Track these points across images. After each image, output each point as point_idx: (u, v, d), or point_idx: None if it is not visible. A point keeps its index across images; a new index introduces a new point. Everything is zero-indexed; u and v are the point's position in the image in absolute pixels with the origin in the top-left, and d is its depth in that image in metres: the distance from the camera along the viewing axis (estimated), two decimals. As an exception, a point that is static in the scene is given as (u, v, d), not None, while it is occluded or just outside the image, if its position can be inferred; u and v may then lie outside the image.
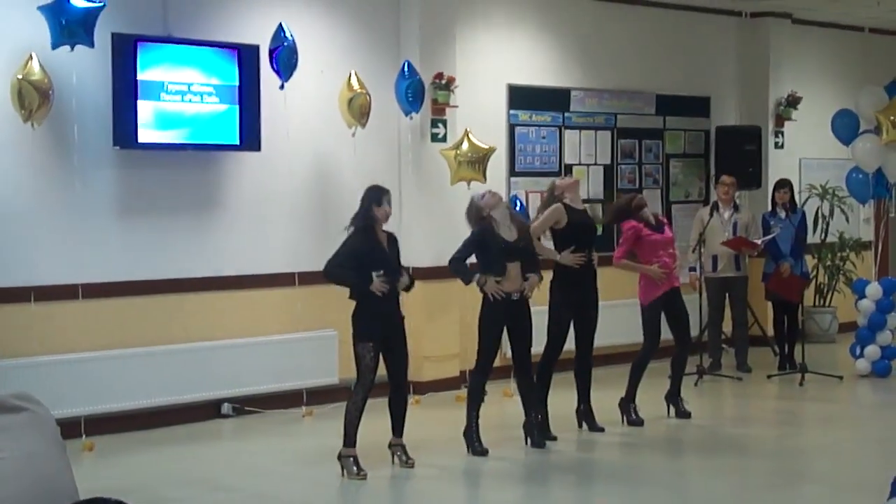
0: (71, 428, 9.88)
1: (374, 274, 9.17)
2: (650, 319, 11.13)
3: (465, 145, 12.52)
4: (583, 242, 10.45)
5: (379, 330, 9.26)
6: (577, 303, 10.49)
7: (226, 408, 11.46)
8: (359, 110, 11.93)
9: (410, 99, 12.29)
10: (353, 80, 11.94)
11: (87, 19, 9.99)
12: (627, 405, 11.12)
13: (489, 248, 9.83)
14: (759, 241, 13.78)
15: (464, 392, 10.56)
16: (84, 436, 10.20)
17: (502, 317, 9.90)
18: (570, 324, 10.52)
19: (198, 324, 11.35)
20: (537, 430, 10.26)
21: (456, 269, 9.99)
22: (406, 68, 12.29)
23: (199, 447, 10.52)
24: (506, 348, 10.63)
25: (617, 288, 12.74)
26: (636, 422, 11.07)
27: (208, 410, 11.37)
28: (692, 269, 13.85)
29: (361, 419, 9.22)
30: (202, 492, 9.10)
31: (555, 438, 10.38)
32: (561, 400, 10.81)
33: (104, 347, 10.67)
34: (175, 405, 11.08)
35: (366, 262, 9.21)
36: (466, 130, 12.62)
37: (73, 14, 9.94)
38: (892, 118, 13.43)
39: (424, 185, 12.79)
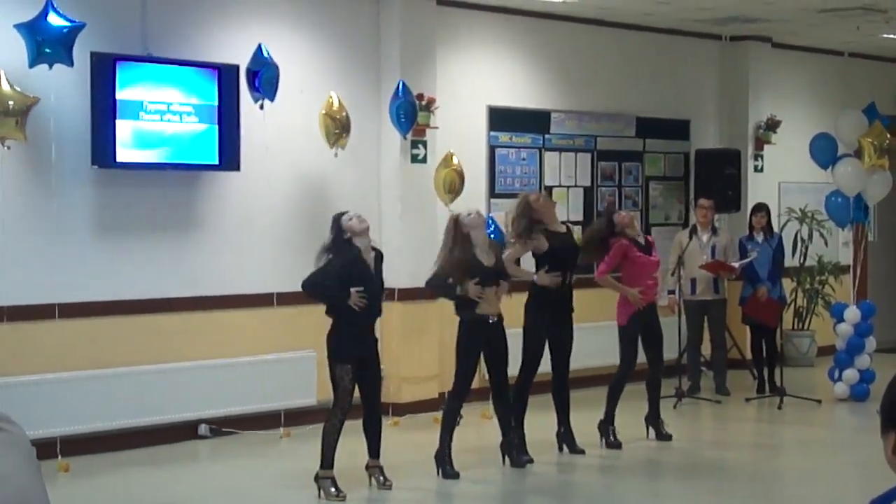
0: (47, 449, 9.81)
1: (353, 289, 9.15)
2: (628, 340, 11.12)
3: (456, 164, 12.68)
4: (564, 265, 10.47)
5: (356, 352, 9.25)
6: (551, 323, 10.49)
7: (203, 429, 11.39)
8: (331, 132, 11.94)
9: (403, 120, 12.29)
10: (335, 102, 11.95)
11: (66, 38, 9.95)
12: (606, 427, 11.11)
13: (469, 270, 9.83)
14: (736, 265, 13.80)
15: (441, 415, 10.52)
16: (60, 456, 10.12)
17: (479, 340, 9.90)
18: (545, 345, 10.52)
19: (175, 344, 11.29)
20: (515, 451, 10.25)
21: (435, 285, 10.01)
22: (400, 89, 12.29)
23: (175, 468, 10.46)
24: (483, 370, 10.60)
25: (595, 310, 12.73)
26: (615, 444, 11.05)
27: (185, 431, 11.31)
28: (671, 292, 13.85)
29: (338, 441, 9.20)
30: (178, 513, 9.07)
31: (531, 461, 10.35)
32: (540, 423, 10.79)
33: (80, 368, 10.61)
34: (152, 426, 11.02)
35: (346, 277, 9.20)
36: (451, 153, 12.68)
37: (51, 33, 9.89)
38: (873, 142, 13.47)
39: (404, 206, 12.77)
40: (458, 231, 9.87)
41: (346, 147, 12.03)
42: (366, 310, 9.24)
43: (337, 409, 9.22)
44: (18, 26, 9.92)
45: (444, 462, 9.86)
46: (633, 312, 11.06)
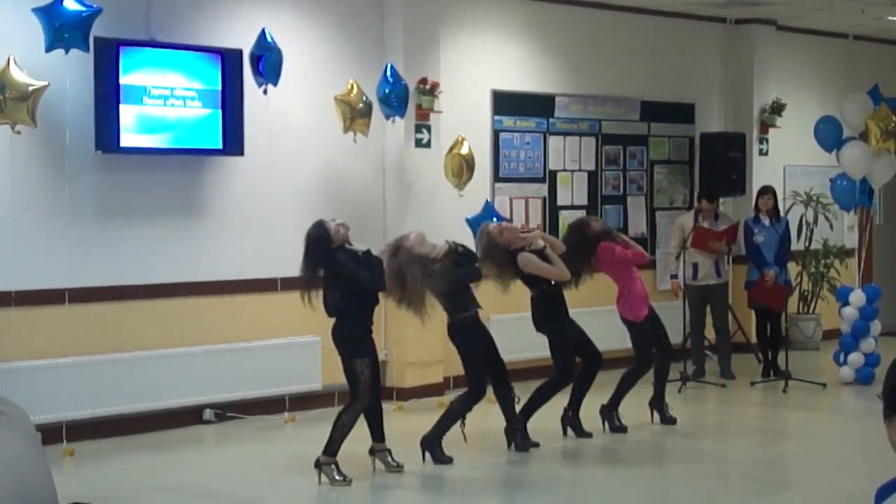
0: (52, 433, 9.84)
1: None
2: (642, 339, 11.11)
3: (465, 150, 12.74)
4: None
5: (370, 344, 9.32)
6: (571, 321, 10.58)
7: (208, 414, 11.40)
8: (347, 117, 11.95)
9: (394, 103, 12.24)
10: (354, 89, 11.93)
11: (83, 23, 9.94)
12: (610, 413, 11.10)
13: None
14: (719, 230, 13.80)
15: (447, 398, 10.53)
16: (65, 441, 10.13)
17: (484, 335, 9.94)
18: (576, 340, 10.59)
19: (180, 329, 11.29)
20: (520, 436, 10.25)
21: (468, 274, 9.99)
22: (389, 72, 12.25)
23: (180, 453, 10.47)
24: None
25: (600, 295, 12.70)
26: (620, 428, 11.05)
27: (190, 416, 11.31)
28: (674, 276, 13.85)
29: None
30: (183, 498, 9.08)
31: (537, 445, 10.35)
32: (546, 406, 10.76)
33: (86, 353, 10.61)
34: (157, 411, 11.02)
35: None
36: (462, 137, 12.70)
37: (68, 18, 9.88)
38: (880, 125, 13.44)
39: (408, 190, 12.75)
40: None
41: (367, 134, 12.03)
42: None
43: (357, 403, 9.20)
44: (36, 10, 9.91)
45: (435, 450, 9.84)
46: (644, 315, 11.05)
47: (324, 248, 9.27)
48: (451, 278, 9.73)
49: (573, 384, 10.75)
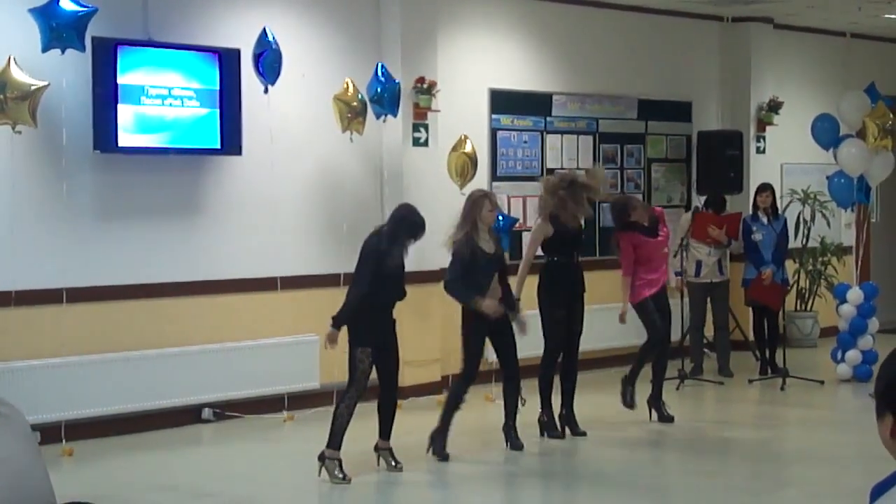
0: (51, 433, 9.86)
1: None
2: (646, 313, 11.17)
3: (469, 149, 12.75)
4: (571, 245, 10.61)
5: (378, 335, 9.27)
6: (565, 300, 10.57)
7: (206, 412, 11.41)
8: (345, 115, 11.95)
9: (386, 102, 12.21)
10: (350, 87, 11.92)
11: (78, 23, 9.95)
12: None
13: (475, 261, 9.84)
14: (720, 215, 13.88)
15: (445, 397, 10.54)
16: (64, 441, 10.14)
17: (486, 324, 9.90)
18: (566, 320, 10.57)
19: (179, 328, 11.30)
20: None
21: (455, 291, 9.99)
22: (380, 71, 12.22)
23: (179, 452, 10.48)
24: (488, 354, 10.55)
25: (603, 291, 12.72)
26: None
27: (189, 415, 11.32)
28: (677, 273, 13.86)
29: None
30: (182, 497, 9.08)
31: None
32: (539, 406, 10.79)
33: (85, 352, 10.62)
34: (156, 410, 11.02)
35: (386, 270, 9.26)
36: (465, 136, 12.72)
37: (65, 18, 9.89)
38: (878, 123, 13.45)
39: (406, 189, 12.75)
40: (474, 213, 9.93)
41: (362, 132, 12.02)
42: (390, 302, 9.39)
43: (353, 390, 9.21)
44: (33, 11, 9.92)
45: (439, 443, 9.87)
46: (642, 296, 11.10)
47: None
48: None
49: (560, 380, 10.82)
